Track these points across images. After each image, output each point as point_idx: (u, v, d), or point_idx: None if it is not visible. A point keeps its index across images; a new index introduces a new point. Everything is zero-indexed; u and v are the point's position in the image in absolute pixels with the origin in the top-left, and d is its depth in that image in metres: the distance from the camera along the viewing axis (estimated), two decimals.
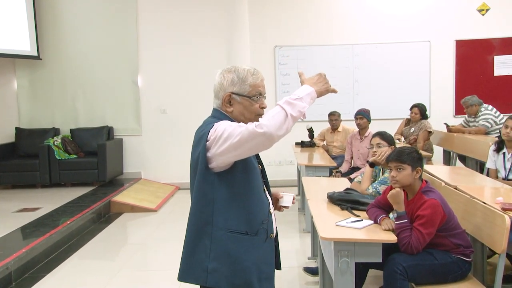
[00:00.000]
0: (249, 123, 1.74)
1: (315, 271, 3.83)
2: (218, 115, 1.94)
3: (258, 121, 1.94)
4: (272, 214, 2.00)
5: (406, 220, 2.68)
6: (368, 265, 2.91)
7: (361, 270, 2.90)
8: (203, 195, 1.86)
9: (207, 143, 1.80)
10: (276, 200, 2.15)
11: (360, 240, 2.45)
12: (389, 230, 2.60)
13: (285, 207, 2.16)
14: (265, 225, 1.91)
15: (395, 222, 2.68)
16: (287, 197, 2.15)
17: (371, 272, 3.11)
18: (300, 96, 1.73)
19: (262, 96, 1.94)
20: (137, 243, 5.29)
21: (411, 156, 2.78)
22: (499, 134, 4.64)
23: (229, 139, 1.74)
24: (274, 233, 2.00)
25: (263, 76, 1.96)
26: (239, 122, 1.90)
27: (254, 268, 1.87)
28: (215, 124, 1.82)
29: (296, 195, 6.50)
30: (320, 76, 1.83)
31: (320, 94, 1.79)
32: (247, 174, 1.87)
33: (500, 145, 4.36)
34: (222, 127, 1.78)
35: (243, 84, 1.89)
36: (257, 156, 1.99)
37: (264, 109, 1.96)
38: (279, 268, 2.07)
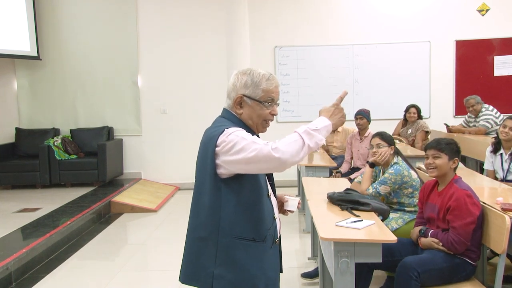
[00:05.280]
0: (265, 143, 1.71)
1: (313, 274, 3.84)
2: (228, 115, 1.92)
3: (265, 127, 1.92)
4: (277, 219, 1.98)
5: (428, 228, 2.86)
6: (373, 266, 2.91)
7: (367, 272, 2.90)
8: (209, 200, 1.83)
9: (217, 149, 1.77)
10: (281, 203, 2.14)
11: (360, 241, 2.45)
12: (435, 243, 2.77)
13: (290, 211, 2.14)
14: (271, 231, 1.90)
15: (431, 238, 2.80)
16: (292, 202, 2.13)
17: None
18: (318, 128, 1.76)
19: (274, 103, 1.91)
20: (137, 244, 5.29)
21: (449, 147, 2.86)
22: (495, 135, 4.58)
23: (242, 152, 1.71)
24: (278, 238, 1.98)
25: (278, 83, 1.93)
26: (246, 125, 1.90)
27: (261, 274, 1.85)
28: (225, 130, 1.78)
29: (296, 195, 6.52)
30: (336, 108, 1.86)
31: (335, 127, 1.84)
32: (255, 180, 1.85)
33: (497, 146, 4.30)
34: (235, 138, 1.74)
35: (256, 88, 1.87)
36: None
37: (274, 116, 1.93)
38: (281, 270, 2.06)
